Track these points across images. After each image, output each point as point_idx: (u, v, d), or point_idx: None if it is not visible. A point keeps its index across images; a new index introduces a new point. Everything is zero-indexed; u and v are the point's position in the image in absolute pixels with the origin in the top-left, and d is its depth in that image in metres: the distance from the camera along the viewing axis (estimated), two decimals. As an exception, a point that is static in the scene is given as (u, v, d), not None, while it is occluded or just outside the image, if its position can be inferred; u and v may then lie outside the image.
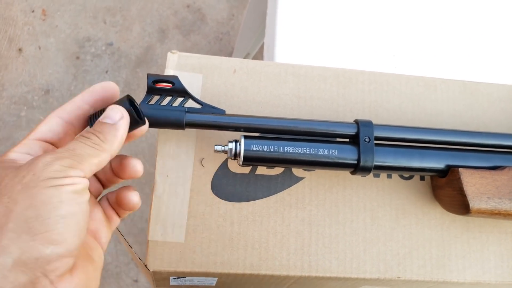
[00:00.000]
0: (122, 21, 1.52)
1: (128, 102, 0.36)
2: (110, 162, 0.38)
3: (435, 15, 0.67)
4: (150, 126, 0.41)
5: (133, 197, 0.37)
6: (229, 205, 0.43)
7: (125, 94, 0.37)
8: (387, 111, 0.48)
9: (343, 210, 0.45)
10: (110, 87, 0.37)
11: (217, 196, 0.44)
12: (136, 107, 0.36)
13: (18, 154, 0.33)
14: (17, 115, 1.38)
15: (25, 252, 0.27)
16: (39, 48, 1.46)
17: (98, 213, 0.37)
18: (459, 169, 0.42)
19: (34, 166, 0.30)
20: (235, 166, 0.45)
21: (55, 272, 0.28)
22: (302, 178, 0.45)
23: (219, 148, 0.41)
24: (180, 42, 1.52)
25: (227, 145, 0.41)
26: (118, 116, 0.34)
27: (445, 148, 0.44)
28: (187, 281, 0.46)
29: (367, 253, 0.44)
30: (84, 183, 0.30)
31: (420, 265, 0.45)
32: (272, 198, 0.44)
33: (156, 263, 0.42)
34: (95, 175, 0.39)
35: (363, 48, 0.63)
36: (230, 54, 1.50)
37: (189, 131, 0.44)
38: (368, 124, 0.42)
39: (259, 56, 1.29)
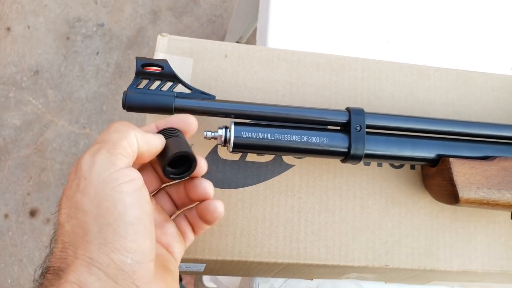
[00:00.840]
0: (114, 1, 1.49)
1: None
2: (184, 183, 0.38)
3: (430, 2, 0.67)
4: (138, 111, 0.40)
5: (218, 206, 0.36)
6: (218, 191, 0.43)
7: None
8: (380, 99, 0.48)
9: (332, 198, 0.45)
10: (188, 121, 0.37)
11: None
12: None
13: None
14: (6, 96, 1.36)
15: (112, 263, 0.28)
16: (28, 27, 1.43)
17: (171, 228, 0.37)
18: (450, 158, 0.42)
19: (80, 170, 0.30)
20: (225, 153, 0.44)
21: (142, 281, 0.29)
22: (292, 166, 0.45)
23: (209, 134, 0.40)
24: (172, 24, 1.50)
25: (217, 132, 0.40)
26: None
27: (436, 137, 0.43)
28: (175, 267, 0.46)
29: (356, 241, 0.44)
30: (136, 176, 0.31)
31: (408, 254, 0.45)
32: (262, 185, 0.44)
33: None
34: (168, 195, 0.39)
35: (357, 35, 0.62)
36: (223, 37, 1.48)
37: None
38: (360, 112, 0.41)
39: (252, 40, 1.27)
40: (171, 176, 0.35)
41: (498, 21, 0.68)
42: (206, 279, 1.18)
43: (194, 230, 0.38)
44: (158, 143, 0.34)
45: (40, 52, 1.41)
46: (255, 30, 1.12)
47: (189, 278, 1.23)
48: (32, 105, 1.36)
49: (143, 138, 0.33)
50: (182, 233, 0.38)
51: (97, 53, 1.43)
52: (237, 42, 1.27)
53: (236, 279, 0.73)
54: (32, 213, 1.29)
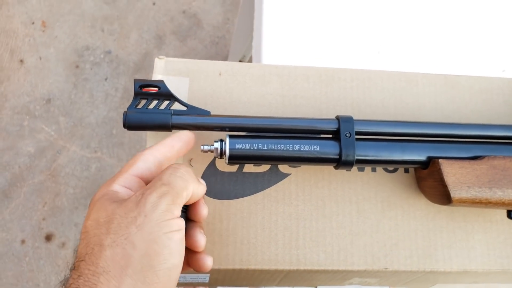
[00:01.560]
0: (120, 29, 1.54)
1: None
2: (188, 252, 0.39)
3: (418, 11, 0.69)
4: (138, 129, 0.42)
5: (207, 262, 0.38)
6: (217, 202, 0.45)
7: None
8: (370, 107, 0.50)
9: (329, 204, 0.46)
10: (190, 136, 0.41)
11: (206, 194, 0.45)
12: None
13: (120, 187, 0.36)
14: (20, 124, 1.40)
15: None
16: (40, 58, 1.48)
17: None
18: (439, 160, 0.43)
19: (143, 206, 0.32)
20: (222, 165, 0.46)
21: None
22: (288, 175, 0.47)
23: (206, 147, 0.42)
24: (177, 47, 1.54)
25: (213, 145, 0.42)
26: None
27: (426, 140, 0.45)
28: (180, 278, 0.48)
29: (354, 245, 0.46)
30: (183, 226, 0.33)
31: (407, 256, 0.46)
32: (260, 194, 0.46)
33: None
34: None
35: (349, 46, 0.64)
36: (226, 57, 1.52)
37: (177, 132, 0.46)
38: (349, 119, 0.43)
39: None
40: None
41: (483, 25, 0.69)
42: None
43: None
44: (203, 192, 0.37)
45: (52, 81, 1.46)
46: (256, 49, 1.15)
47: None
48: (45, 132, 1.40)
49: (197, 189, 0.36)
50: None
51: (106, 79, 1.48)
52: (240, 61, 1.30)
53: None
54: (48, 238, 1.31)
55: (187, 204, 0.37)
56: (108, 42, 1.52)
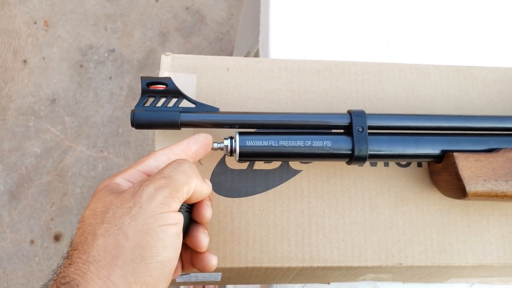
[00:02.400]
0: (123, 27, 1.53)
1: None
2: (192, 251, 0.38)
3: (429, 1, 0.68)
4: (147, 128, 0.42)
5: (212, 261, 0.37)
6: (228, 201, 0.44)
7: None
8: (381, 100, 0.49)
9: (341, 200, 0.46)
10: (209, 139, 0.40)
11: (217, 192, 0.44)
12: None
13: (123, 180, 0.35)
14: (26, 125, 1.40)
15: None
16: (43, 58, 1.48)
17: None
18: (454, 153, 0.42)
19: (139, 197, 0.31)
20: (232, 163, 0.45)
21: None
22: (299, 171, 0.46)
23: (215, 145, 0.41)
24: (181, 44, 1.53)
25: (222, 142, 0.41)
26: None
27: (439, 133, 0.44)
28: (192, 277, 0.47)
29: (368, 241, 0.45)
30: (181, 220, 0.32)
31: (421, 251, 0.45)
32: (271, 192, 0.45)
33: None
34: None
35: (358, 39, 0.63)
36: (231, 54, 1.51)
37: (186, 130, 0.45)
38: (361, 114, 0.42)
39: (259, 54, 1.29)
40: None
41: (495, 16, 0.68)
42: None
43: (183, 267, 0.39)
44: (207, 192, 0.36)
45: (56, 81, 1.45)
46: (261, 44, 1.14)
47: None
48: (50, 132, 1.40)
49: (200, 186, 0.35)
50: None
51: (110, 78, 1.47)
52: (245, 57, 1.29)
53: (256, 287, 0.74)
54: (57, 238, 1.32)
55: (190, 202, 0.36)
56: (112, 40, 1.51)
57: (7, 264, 1.28)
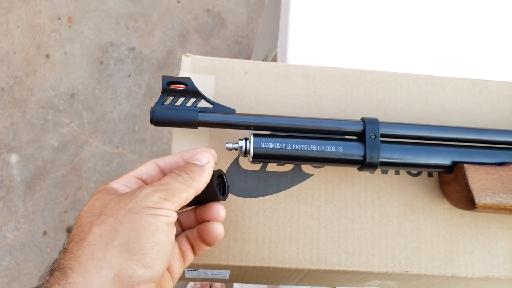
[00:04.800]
0: (144, 26, 1.56)
1: (218, 177, 0.41)
2: (195, 209, 0.42)
3: (446, 14, 0.68)
4: (165, 125, 0.43)
5: (218, 227, 0.40)
6: (240, 200, 0.45)
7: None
8: (395, 110, 0.49)
9: (351, 206, 0.46)
10: (213, 154, 0.41)
11: (229, 192, 0.46)
12: (224, 183, 0.42)
13: (119, 185, 0.38)
14: (45, 118, 1.43)
15: (123, 269, 0.31)
16: (65, 53, 1.51)
17: (174, 249, 0.40)
18: (464, 165, 0.43)
19: (136, 195, 0.34)
20: (246, 163, 0.46)
21: None
22: (311, 175, 0.47)
23: (230, 145, 0.43)
24: (200, 46, 1.55)
25: (237, 143, 0.43)
26: (206, 159, 0.39)
27: (451, 144, 0.44)
28: (201, 273, 0.48)
29: (375, 247, 0.46)
30: (174, 216, 0.35)
31: (428, 260, 0.46)
32: (282, 194, 0.46)
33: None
34: (178, 217, 0.42)
35: (375, 49, 0.64)
36: (249, 57, 1.52)
37: (202, 129, 0.46)
38: (374, 121, 0.43)
39: (276, 59, 1.30)
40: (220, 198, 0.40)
41: (517, 31, 0.68)
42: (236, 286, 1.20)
43: (194, 251, 0.41)
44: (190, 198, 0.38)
45: (76, 76, 1.49)
46: (278, 49, 1.15)
47: (219, 285, 1.26)
48: (68, 126, 1.43)
49: (193, 195, 0.37)
50: (182, 253, 0.40)
51: (129, 76, 1.50)
52: (262, 61, 1.30)
53: (263, 287, 0.75)
54: (69, 230, 1.34)
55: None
56: (132, 39, 1.54)
57: (20, 253, 1.31)
